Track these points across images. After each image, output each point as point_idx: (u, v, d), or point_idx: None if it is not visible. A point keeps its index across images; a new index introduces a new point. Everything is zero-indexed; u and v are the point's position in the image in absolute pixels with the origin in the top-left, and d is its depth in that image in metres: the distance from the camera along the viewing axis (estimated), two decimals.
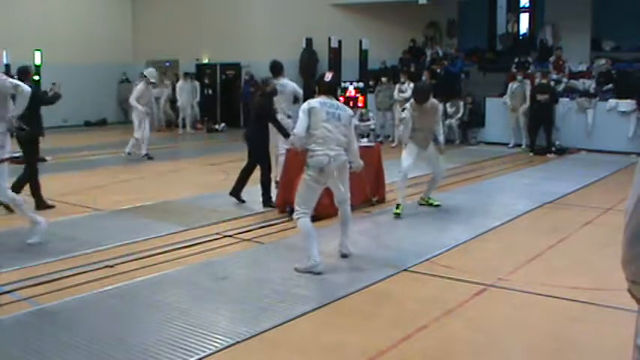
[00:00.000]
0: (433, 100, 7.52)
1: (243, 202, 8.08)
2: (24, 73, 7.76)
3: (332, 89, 5.56)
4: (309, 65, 16.44)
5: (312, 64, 16.97)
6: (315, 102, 5.34)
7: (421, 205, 7.97)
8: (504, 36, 18.53)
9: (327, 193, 7.32)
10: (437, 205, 7.94)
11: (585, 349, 3.96)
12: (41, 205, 7.73)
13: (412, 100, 7.51)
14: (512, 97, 14.37)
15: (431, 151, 7.64)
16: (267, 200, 7.94)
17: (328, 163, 5.21)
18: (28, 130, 7.53)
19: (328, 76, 5.55)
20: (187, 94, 18.08)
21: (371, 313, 4.52)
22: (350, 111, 5.50)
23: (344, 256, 5.74)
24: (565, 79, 14.94)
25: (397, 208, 7.45)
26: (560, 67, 15.26)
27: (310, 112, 5.26)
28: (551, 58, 15.72)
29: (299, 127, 5.29)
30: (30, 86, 7.37)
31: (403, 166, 7.45)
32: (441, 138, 7.74)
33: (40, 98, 7.89)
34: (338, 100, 5.58)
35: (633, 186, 1.93)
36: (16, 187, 7.41)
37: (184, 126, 18.19)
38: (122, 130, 16.68)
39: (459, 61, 16.69)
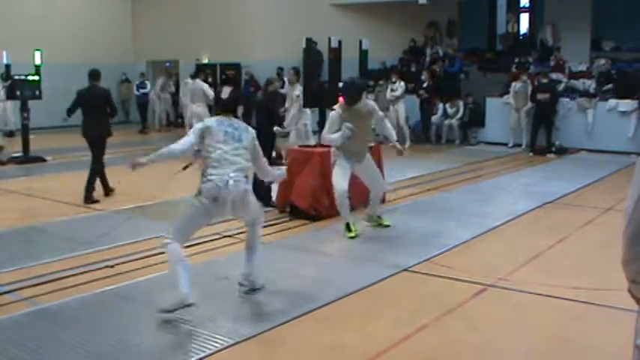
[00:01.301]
0: (367, 102, 6.48)
1: (273, 206, 7.75)
2: (93, 77, 8.78)
3: (229, 107, 4.68)
4: (313, 66, 16.41)
5: (317, 65, 16.97)
6: (211, 121, 4.62)
7: (371, 226, 6.91)
8: (504, 36, 18.53)
9: (327, 192, 7.34)
10: (386, 225, 6.90)
11: (585, 349, 3.96)
12: (109, 191, 8.82)
13: (341, 101, 6.36)
14: (516, 97, 14.37)
15: (367, 162, 6.57)
16: (266, 200, 7.94)
17: (223, 191, 4.35)
18: (101, 129, 8.66)
19: (225, 92, 4.76)
20: (186, 94, 18.04)
21: (371, 313, 4.52)
22: (253, 131, 4.70)
23: (250, 289, 4.78)
24: (565, 79, 14.94)
25: (348, 229, 6.43)
26: (561, 67, 15.27)
27: (204, 131, 4.49)
28: (551, 58, 15.74)
29: (177, 145, 4.54)
30: (101, 88, 8.82)
31: (337, 189, 6.36)
32: (394, 137, 6.80)
33: (109, 100, 8.83)
34: (237, 117, 4.74)
35: (633, 186, 1.93)
36: (94, 180, 8.56)
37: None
38: (122, 130, 16.68)
39: (457, 61, 16.70)
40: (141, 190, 9.26)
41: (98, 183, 8.71)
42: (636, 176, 1.92)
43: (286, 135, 9.73)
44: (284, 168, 5.18)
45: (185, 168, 5.24)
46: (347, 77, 6.72)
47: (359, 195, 7.89)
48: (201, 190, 4.44)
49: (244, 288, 4.78)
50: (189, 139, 4.54)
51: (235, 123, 4.61)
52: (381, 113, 6.52)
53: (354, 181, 7.73)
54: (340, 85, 5.74)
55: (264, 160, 4.85)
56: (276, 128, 8.11)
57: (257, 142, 4.70)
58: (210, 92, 13.68)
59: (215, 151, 4.43)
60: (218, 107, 4.84)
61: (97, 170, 8.67)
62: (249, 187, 4.59)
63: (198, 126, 4.61)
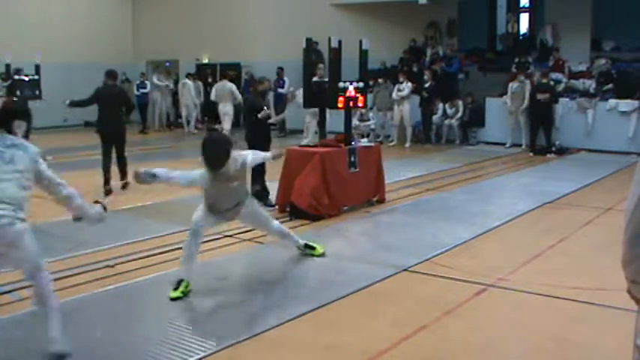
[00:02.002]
0: (235, 157, 4.93)
1: (273, 206, 7.74)
2: (110, 76, 9.15)
3: (3, 121, 3.65)
4: (309, 66, 16.43)
5: (315, 65, 16.98)
6: None
7: (304, 254, 5.84)
8: (504, 36, 18.53)
9: (327, 192, 7.34)
10: (321, 255, 5.79)
11: (585, 349, 3.96)
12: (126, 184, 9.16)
13: (205, 166, 4.94)
14: (513, 97, 14.38)
15: (245, 212, 5.27)
16: (262, 199, 7.94)
17: None
18: (117, 126, 9.12)
19: None
20: (185, 94, 18.10)
21: (371, 313, 4.52)
22: (33, 149, 3.60)
23: (56, 357, 3.60)
24: (565, 79, 14.94)
25: (177, 287, 4.77)
26: (560, 67, 15.27)
27: None
28: (550, 58, 15.75)
29: None
30: (118, 86, 9.38)
31: (194, 218, 5.05)
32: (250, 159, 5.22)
33: (126, 98, 9.51)
34: (11, 132, 3.63)
35: (633, 186, 1.93)
36: (123, 173, 9.15)
37: (189, 124, 18.28)
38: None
39: (455, 61, 16.70)
40: (141, 190, 9.26)
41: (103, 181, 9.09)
42: (637, 176, 1.92)
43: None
44: (98, 207, 4.09)
45: None
46: (208, 136, 5.49)
47: (359, 195, 7.92)
48: None
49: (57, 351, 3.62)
50: None
51: (9, 140, 3.53)
52: (249, 158, 5.14)
53: (353, 179, 7.75)
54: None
55: (66, 189, 3.79)
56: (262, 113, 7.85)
57: (41, 165, 3.63)
58: (238, 93, 14.27)
59: None
60: None
61: (125, 162, 9.29)
62: (24, 225, 3.45)
63: None
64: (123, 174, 9.32)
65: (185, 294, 4.78)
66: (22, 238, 3.42)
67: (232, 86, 14.45)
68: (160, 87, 18.81)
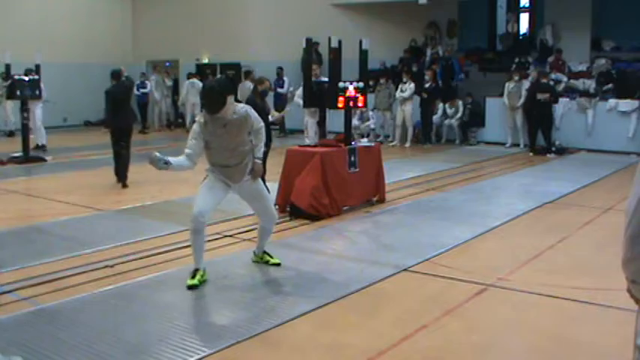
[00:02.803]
0: (237, 107, 4.99)
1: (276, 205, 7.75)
2: (117, 75, 9.79)
3: None
4: (309, 66, 16.44)
5: (316, 65, 16.98)
6: None
7: (255, 262, 5.65)
8: (504, 36, 18.52)
9: (327, 192, 7.34)
10: (276, 264, 5.54)
11: (585, 349, 3.96)
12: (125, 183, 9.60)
13: (204, 110, 4.99)
14: (509, 96, 14.41)
15: (248, 184, 5.20)
16: None
17: None
18: (131, 120, 9.88)
19: None
20: (195, 94, 18.18)
21: (371, 313, 4.52)
22: None
23: None
24: (565, 79, 14.94)
25: (194, 276, 4.99)
26: (560, 67, 15.27)
27: None
28: (550, 58, 15.74)
29: None
30: (126, 83, 9.96)
31: (196, 208, 4.95)
32: (260, 153, 5.20)
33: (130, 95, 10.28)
34: None
35: (634, 185, 1.93)
36: (124, 177, 9.58)
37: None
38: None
39: (453, 61, 16.67)
40: (141, 189, 9.27)
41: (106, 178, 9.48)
42: (637, 176, 1.92)
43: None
44: None
45: None
46: (211, 80, 5.34)
47: (359, 195, 7.92)
48: None
49: None
50: None
51: None
52: (259, 124, 5.15)
53: (353, 179, 7.75)
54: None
55: None
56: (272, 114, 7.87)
57: None
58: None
59: None
60: None
61: (126, 156, 9.72)
62: None
63: None
64: (123, 175, 9.62)
65: (202, 282, 4.97)
66: None
67: (252, 86, 14.55)
68: (161, 85, 18.82)
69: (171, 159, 4.79)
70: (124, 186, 9.54)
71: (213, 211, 5.17)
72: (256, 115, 5.13)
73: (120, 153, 9.67)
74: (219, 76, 6.49)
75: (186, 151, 4.94)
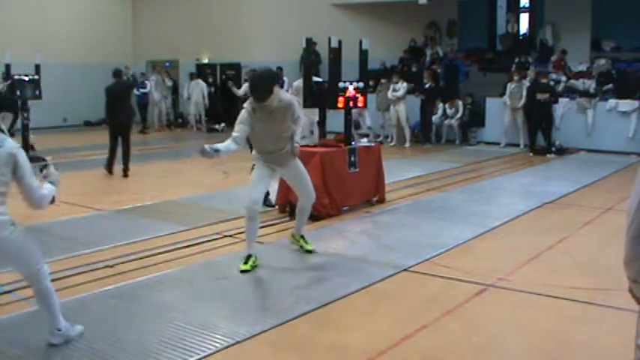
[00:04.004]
0: (282, 96, 5.37)
1: (273, 206, 7.79)
2: (118, 74, 10.64)
3: None
4: (308, 66, 16.45)
5: (314, 64, 17.00)
6: None
7: (292, 243, 6.07)
8: (504, 36, 18.53)
9: (327, 192, 7.34)
10: (309, 251, 5.91)
11: (585, 349, 3.96)
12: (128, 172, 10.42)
13: (251, 97, 5.32)
14: (511, 97, 14.42)
15: (292, 166, 5.62)
16: (265, 199, 7.94)
17: None
18: (130, 116, 10.67)
19: None
20: (198, 93, 18.31)
21: (371, 313, 4.52)
22: (10, 144, 3.51)
23: (66, 342, 3.89)
24: (564, 79, 14.94)
25: (246, 262, 5.38)
26: (563, 67, 15.26)
27: None
28: (553, 57, 15.73)
29: None
30: (125, 82, 10.93)
31: (250, 198, 5.38)
32: (298, 137, 5.62)
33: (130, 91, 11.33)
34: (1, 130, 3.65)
35: (635, 185, 1.93)
36: (126, 167, 10.37)
37: (197, 122, 18.68)
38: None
39: (457, 62, 16.68)
40: (141, 189, 9.27)
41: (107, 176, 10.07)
42: (639, 176, 1.92)
43: None
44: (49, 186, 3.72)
45: None
46: (257, 69, 5.61)
47: (359, 195, 7.92)
48: None
49: (57, 342, 3.85)
50: None
51: None
52: (299, 112, 5.57)
53: (353, 179, 7.75)
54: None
55: (33, 182, 3.58)
56: None
57: (20, 158, 3.49)
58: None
59: None
60: None
61: (126, 147, 10.40)
62: (1, 218, 3.47)
63: None
64: (125, 164, 10.39)
65: (253, 267, 5.36)
66: (1, 233, 3.40)
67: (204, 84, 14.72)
68: (160, 85, 18.84)
69: (219, 146, 5.04)
70: (125, 175, 10.30)
71: (262, 196, 5.66)
72: (297, 104, 5.57)
73: (115, 149, 10.29)
74: (261, 68, 6.36)
75: (234, 134, 5.21)
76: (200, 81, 18.49)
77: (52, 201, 3.71)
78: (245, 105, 5.33)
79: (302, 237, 6.01)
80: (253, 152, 5.59)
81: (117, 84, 10.53)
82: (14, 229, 3.52)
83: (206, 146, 5.00)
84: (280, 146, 5.43)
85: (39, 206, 3.62)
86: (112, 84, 10.51)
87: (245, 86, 14.15)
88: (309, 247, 5.95)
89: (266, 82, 5.14)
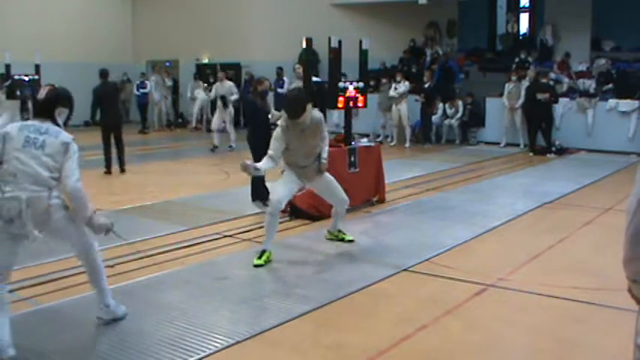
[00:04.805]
0: (314, 114, 5.66)
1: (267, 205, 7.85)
2: (104, 74, 10.74)
3: (44, 109, 3.97)
4: (308, 66, 16.46)
5: (312, 65, 17.01)
6: (14, 126, 3.91)
7: (329, 239, 6.41)
8: (504, 36, 18.53)
9: None
10: (350, 241, 6.34)
11: (585, 349, 3.96)
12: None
13: (284, 115, 5.65)
14: (509, 97, 14.43)
15: (322, 181, 5.96)
16: (263, 198, 7.94)
17: (19, 211, 3.65)
18: (119, 118, 10.98)
19: (42, 93, 4.06)
20: (201, 92, 18.39)
21: (371, 313, 4.52)
22: (65, 137, 3.90)
23: (113, 320, 4.22)
24: (567, 80, 14.94)
25: (260, 256, 5.59)
26: (566, 69, 15.26)
27: (4, 138, 3.78)
28: (557, 58, 15.73)
29: None
30: (112, 82, 11.14)
31: (274, 196, 5.69)
32: (326, 154, 5.90)
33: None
34: (57, 124, 4.00)
35: (635, 185, 1.93)
36: (122, 164, 10.78)
37: (200, 122, 18.77)
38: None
39: (451, 63, 16.69)
40: (141, 190, 9.27)
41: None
42: (638, 175, 1.92)
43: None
44: (103, 220, 3.97)
45: None
46: (292, 89, 6.11)
47: (359, 195, 7.91)
48: None
49: (105, 320, 4.18)
50: None
51: (44, 127, 3.86)
52: (326, 132, 5.92)
53: (353, 179, 7.74)
54: (38, 97, 4.39)
55: (75, 170, 3.85)
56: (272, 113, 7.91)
57: (71, 148, 3.87)
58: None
59: (10, 162, 3.72)
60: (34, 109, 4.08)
61: (120, 145, 10.71)
62: (54, 200, 3.77)
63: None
64: (121, 161, 10.77)
65: (267, 262, 5.57)
66: (55, 214, 3.77)
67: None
68: (160, 85, 18.85)
69: (259, 165, 5.45)
70: (122, 171, 10.70)
71: (288, 198, 5.87)
72: (324, 124, 5.90)
73: (108, 150, 10.58)
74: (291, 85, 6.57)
75: (270, 152, 5.55)
76: (200, 82, 18.52)
77: (107, 231, 3.99)
78: (279, 122, 5.69)
79: (339, 231, 6.40)
80: (283, 164, 5.85)
81: (104, 85, 10.62)
82: (67, 212, 3.88)
83: (248, 162, 5.38)
84: (309, 162, 5.79)
85: (74, 195, 3.81)
86: (99, 85, 10.56)
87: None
88: (349, 238, 6.36)
89: (301, 101, 5.52)
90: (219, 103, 13.46)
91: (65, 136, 3.90)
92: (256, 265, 5.50)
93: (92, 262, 4.07)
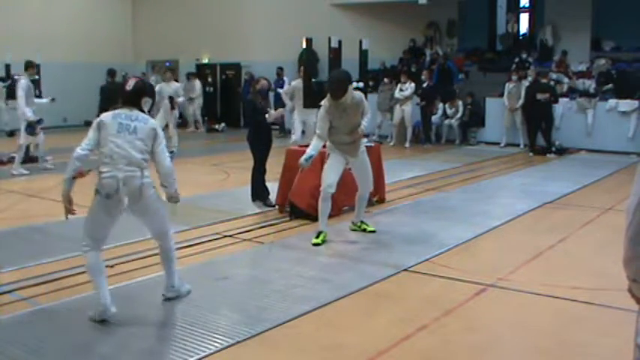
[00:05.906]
0: (354, 93, 6.10)
1: (273, 206, 7.83)
2: (112, 74, 11.00)
3: (132, 99, 4.37)
4: (308, 66, 16.47)
5: (312, 64, 17.01)
6: (107, 115, 4.34)
7: (353, 230, 6.77)
8: (504, 36, 18.53)
9: None
10: (372, 231, 6.69)
11: (585, 349, 3.96)
12: None
13: (328, 95, 6.05)
14: (509, 97, 14.44)
15: (361, 158, 6.36)
16: (262, 198, 7.94)
17: (117, 188, 4.18)
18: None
19: (130, 84, 4.45)
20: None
21: (371, 313, 4.52)
22: (153, 123, 4.38)
23: (177, 297, 4.67)
24: (567, 80, 14.94)
25: (318, 236, 6.20)
26: (564, 68, 15.26)
27: (100, 126, 4.25)
28: (556, 57, 15.73)
29: (81, 147, 4.29)
30: (118, 82, 10.81)
31: (326, 182, 6.18)
32: (365, 122, 6.26)
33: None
34: (143, 111, 4.40)
35: (635, 184, 1.93)
36: None
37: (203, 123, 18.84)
38: None
39: (449, 64, 16.69)
40: None
41: None
42: (638, 175, 1.92)
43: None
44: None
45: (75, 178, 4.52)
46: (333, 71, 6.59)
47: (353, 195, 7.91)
48: (97, 189, 4.33)
49: (169, 297, 4.63)
50: (88, 138, 4.29)
51: (135, 114, 4.30)
52: (367, 108, 6.28)
53: (354, 179, 7.74)
54: (126, 87, 4.74)
55: (166, 153, 4.39)
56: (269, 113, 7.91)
57: (159, 133, 4.36)
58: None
59: (107, 146, 4.20)
60: (121, 98, 4.45)
61: None
62: (145, 180, 4.24)
63: (95, 121, 4.38)
64: None
65: (324, 242, 6.14)
66: (146, 191, 4.25)
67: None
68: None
69: (310, 151, 5.96)
70: None
71: (337, 181, 6.22)
72: (366, 102, 6.27)
73: None
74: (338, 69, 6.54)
75: (317, 132, 6.10)
76: (197, 80, 18.52)
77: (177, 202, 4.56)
78: (322, 102, 6.09)
79: (362, 222, 6.70)
80: (328, 143, 6.22)
81: (112, 84, 10.77)
82: (155, 191, 4.33)
83: (302, 160, 5.90)
84: (352, 139, 6.15)
85: (170, 173, 4.37)
86: (107, 84, 10.70)
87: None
88: (371, 228, 6.67)
89: (342, 82, 5.90)
90: (165, 102, 12.49)
91: (153, 122, 4.38)
92: (315, 244, 6.07)
93: (167, 244, 4.56)
